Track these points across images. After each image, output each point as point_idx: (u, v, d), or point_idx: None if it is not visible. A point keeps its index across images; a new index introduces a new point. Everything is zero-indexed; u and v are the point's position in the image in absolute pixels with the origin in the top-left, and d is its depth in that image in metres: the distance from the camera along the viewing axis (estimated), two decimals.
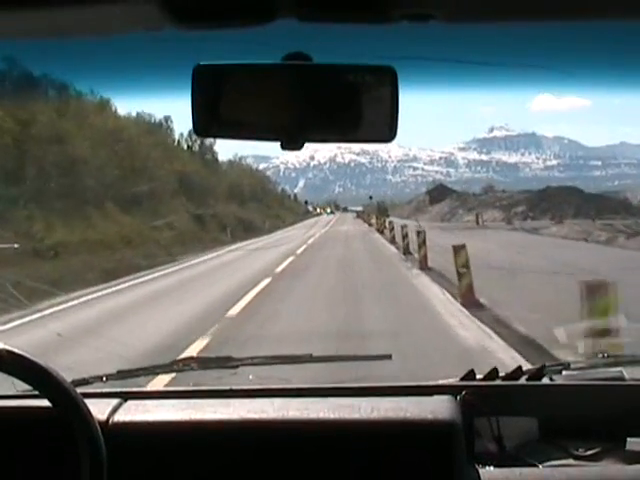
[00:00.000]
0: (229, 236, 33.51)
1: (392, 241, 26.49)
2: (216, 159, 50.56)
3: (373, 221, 45.22)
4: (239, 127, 1.40)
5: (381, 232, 34.54)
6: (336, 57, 1.43)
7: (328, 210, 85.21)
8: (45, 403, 1.63)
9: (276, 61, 1.41)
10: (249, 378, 2.58)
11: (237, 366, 2.41)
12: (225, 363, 2.45)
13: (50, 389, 1.60)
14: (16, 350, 1.61)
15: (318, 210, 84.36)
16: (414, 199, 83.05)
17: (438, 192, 73.46)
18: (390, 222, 32.10)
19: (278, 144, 1.41)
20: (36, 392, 1.68)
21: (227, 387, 2.08)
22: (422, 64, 2.10)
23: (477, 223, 44.51)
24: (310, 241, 30.76)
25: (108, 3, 1.14)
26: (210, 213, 35.25)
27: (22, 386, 1.80)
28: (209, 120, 1.39)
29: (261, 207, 46.48)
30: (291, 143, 1.39)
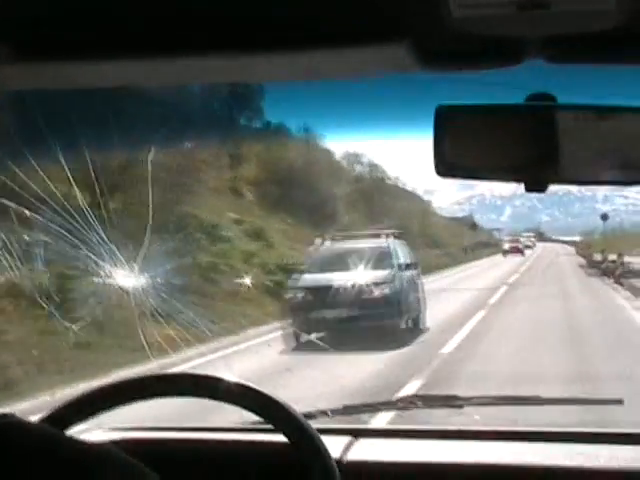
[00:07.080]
0: None
1: None
2: None
3: None
4: (481, 168, 1.39)
5: None
6: (582, 97, 1.40)
7: (506, 244, 38.46)
8: (277, 438, 1.60)
9: (518, 102, 1.39)
10: (474, 418, 2.51)
11: (462, 405, 2.34)
12: (451, 402, 2.39)
13: (287, 424, 1.56)
14: (248, 383, 1.59)
15: (513, 244, 39.05)
16: None
17: None
18: None
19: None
20: (267, 426, 1.64)
21: (455, 427, 2.03)
22: None
23: None
24: None
25: (362, 46, 1.18)
26: None
27: (250, 418, 1.75)
28: (451, 161, 1.39)
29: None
30: (535, 185, 1.36)
